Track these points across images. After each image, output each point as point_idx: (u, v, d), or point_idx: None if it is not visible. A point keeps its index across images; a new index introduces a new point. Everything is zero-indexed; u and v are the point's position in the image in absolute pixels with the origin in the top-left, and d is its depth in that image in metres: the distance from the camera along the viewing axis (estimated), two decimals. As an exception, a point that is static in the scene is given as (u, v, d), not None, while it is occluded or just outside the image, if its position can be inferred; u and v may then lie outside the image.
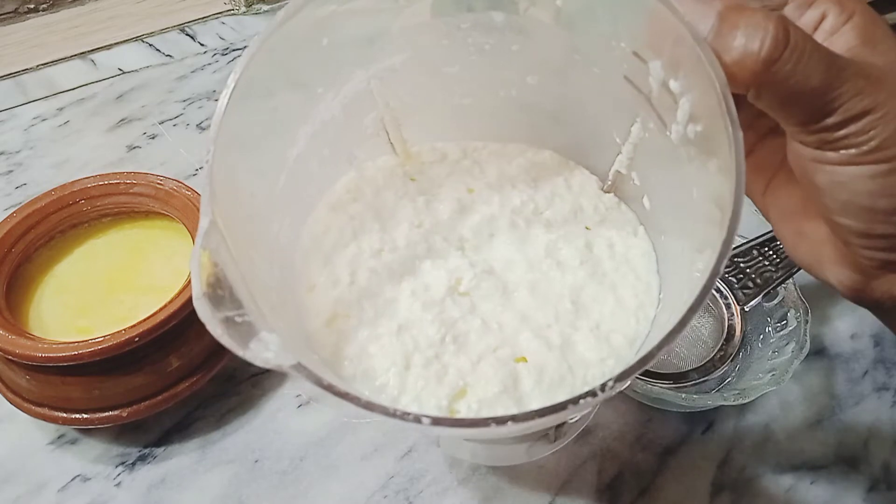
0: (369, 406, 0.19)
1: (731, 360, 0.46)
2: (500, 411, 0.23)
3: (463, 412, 0.24)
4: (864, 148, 0.21)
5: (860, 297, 0.24)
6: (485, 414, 0.24)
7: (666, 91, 0.23)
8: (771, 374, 0.43)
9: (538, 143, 0.31)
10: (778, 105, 0.21)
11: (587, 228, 0.30)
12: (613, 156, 0.29)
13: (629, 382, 0.19)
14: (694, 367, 0.47)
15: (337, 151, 0.29)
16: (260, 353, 0.20)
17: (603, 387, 0.19)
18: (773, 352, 0.44)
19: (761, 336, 0.46)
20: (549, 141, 0.31)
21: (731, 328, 0.48)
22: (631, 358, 0.26)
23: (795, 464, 0.45)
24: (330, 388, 0.19)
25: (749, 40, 0.20)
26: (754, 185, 0.26)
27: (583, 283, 0.28)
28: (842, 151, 0.21)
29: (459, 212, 0.29)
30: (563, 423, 0.33)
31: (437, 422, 0.19)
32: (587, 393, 0.19)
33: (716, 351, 0.47)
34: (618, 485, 0.44)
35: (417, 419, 0.19)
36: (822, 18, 0.22)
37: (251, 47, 0.24)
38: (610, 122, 0.27)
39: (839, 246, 0.24)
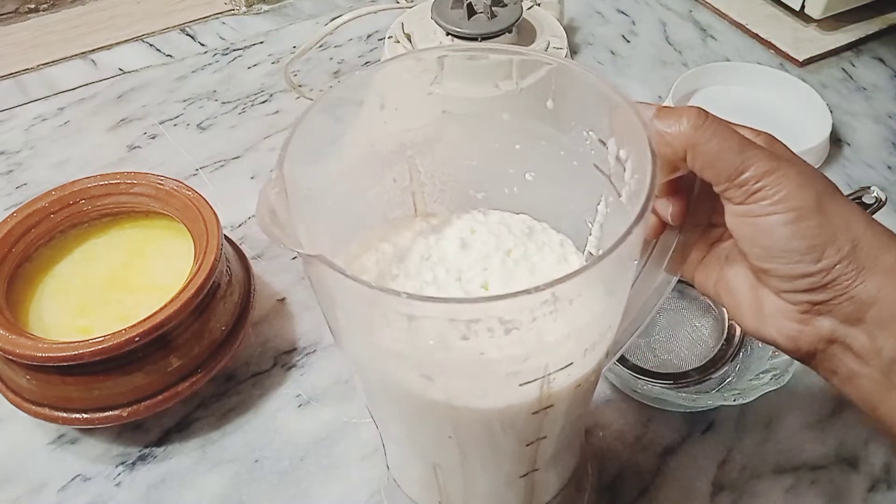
0: (369, 285, 0.24)
1: (731, 360, 0.46)
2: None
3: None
4: (776, 198, 0.28)
5: (797, 346, 0.30)
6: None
7: (618, 162, 0.30)
8: (771, 374, 0.43)
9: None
10: (708, 163, 0.28)
11: None
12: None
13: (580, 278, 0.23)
14: (694, 367, 0.47)
15: (372, 207, 0.36)
16: (293, 245, 0.25)
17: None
18: (773, 352, 0.44)
19: (761, 336, 0.46)
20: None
21: (731, 328, 0.48)
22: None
23: (795, 464, 0.45)
24: (342, 272, 0.24)
25: (678, 118, 0.29)
26: (707, 281, 0.33)
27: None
28: (760, 203, 0.28)
29: (461, 248, 0.35)
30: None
31: (410, 296, 0.23)
32: (551, 282, 0.23)
33: (716, 351, 0.47)
34: (618, 485, 0.44)
35: (397, 293, 0.24)
36: None
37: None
38: (584, 210, 0.34)
39: (775, 303, 0.30)
